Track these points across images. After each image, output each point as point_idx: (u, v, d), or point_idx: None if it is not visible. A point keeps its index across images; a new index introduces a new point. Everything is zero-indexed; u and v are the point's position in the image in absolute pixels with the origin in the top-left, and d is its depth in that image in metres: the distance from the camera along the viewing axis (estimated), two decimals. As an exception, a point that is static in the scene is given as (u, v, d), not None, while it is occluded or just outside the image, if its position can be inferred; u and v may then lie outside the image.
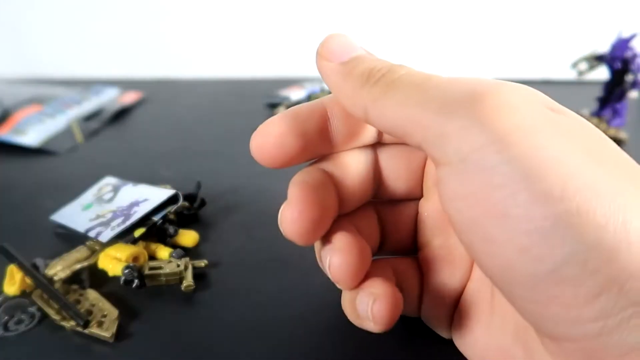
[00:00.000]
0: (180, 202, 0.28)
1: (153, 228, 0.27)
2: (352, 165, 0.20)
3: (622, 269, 0.13)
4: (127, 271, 0.25)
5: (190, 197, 0.31)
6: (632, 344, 0.13)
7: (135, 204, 0.29)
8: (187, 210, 0.31)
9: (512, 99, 0.14)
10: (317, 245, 0.20)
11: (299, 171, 0.19)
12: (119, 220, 0.27)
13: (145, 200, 0.29)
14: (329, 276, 0.19)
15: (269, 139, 0.18)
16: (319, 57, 0.18)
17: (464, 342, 0.20)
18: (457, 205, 0.15)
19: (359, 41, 0.18)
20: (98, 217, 0.29)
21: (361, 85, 0.16)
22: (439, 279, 0.20)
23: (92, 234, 0.27)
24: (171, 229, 0.28)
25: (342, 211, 0.20)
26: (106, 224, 0.28)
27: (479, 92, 0.14)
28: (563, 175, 0.13)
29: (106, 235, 0.27)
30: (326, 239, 0.19)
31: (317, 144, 0.19)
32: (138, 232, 0.27)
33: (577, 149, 0.14)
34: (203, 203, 0.32)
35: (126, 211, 0.28)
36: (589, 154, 0.14)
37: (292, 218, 0.17)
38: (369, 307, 0.17)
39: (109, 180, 0.33)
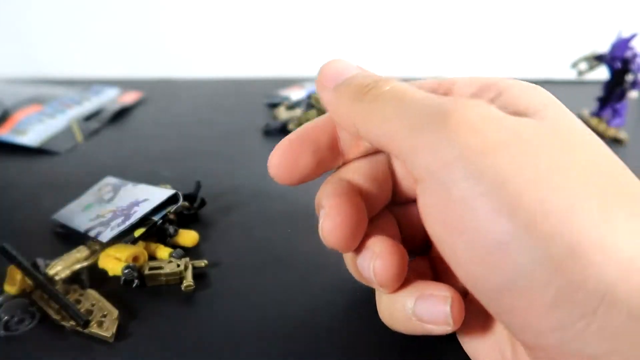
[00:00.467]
0: (180, 202, 0.28)
1: (153, 228, 0.27)
2: (369, 170, 0.20)
3: (572, 281, 0.13)
4: (127, 271, 0.25)
5: (190, 197, 0.31)
6: (589, 354, 0.13)
7: (135, 204, 0.29)
8: (187, 210, 0.31)
9: (473, 117, 0.15)
10: (348, 254, 0.20)
11: (323, 183, 0.20)
12: (119, 220, 0.28)
13: (145, 200, 0.29)
14: (371, 281, 0.19)
15: (285, 159, 0.19)
16: (317, 84, 0.19)
17: (468, 340, 0.20)
18: (428, 219, 0.16)
19: (355, 58, 0.19)
20: (98, 217, 0.29)
21: (351, 103, 0.17)
22: (450, 275, 0.20)
23: (92, 234, 0.27)
24: (171, 229, 0.28)
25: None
26: (106, 224, 0.28)
27: (445, 110, 0.15)
28: (516, 192, 0.13)
29: (106, 235, 0.27)
30: (361, 245, 0.19)
31: (330, 158, 0.20)
32: (138, 232, 0.27)
33: (535, 162, 0.14)
34: (203, 203, 0.32)
35: (126, 211, 0.28)
36: (549, 164, 0.14)
37: (333, 227, 0.18)
38: (448, 311, 0.18)
39: (109, 180, 0.33)
